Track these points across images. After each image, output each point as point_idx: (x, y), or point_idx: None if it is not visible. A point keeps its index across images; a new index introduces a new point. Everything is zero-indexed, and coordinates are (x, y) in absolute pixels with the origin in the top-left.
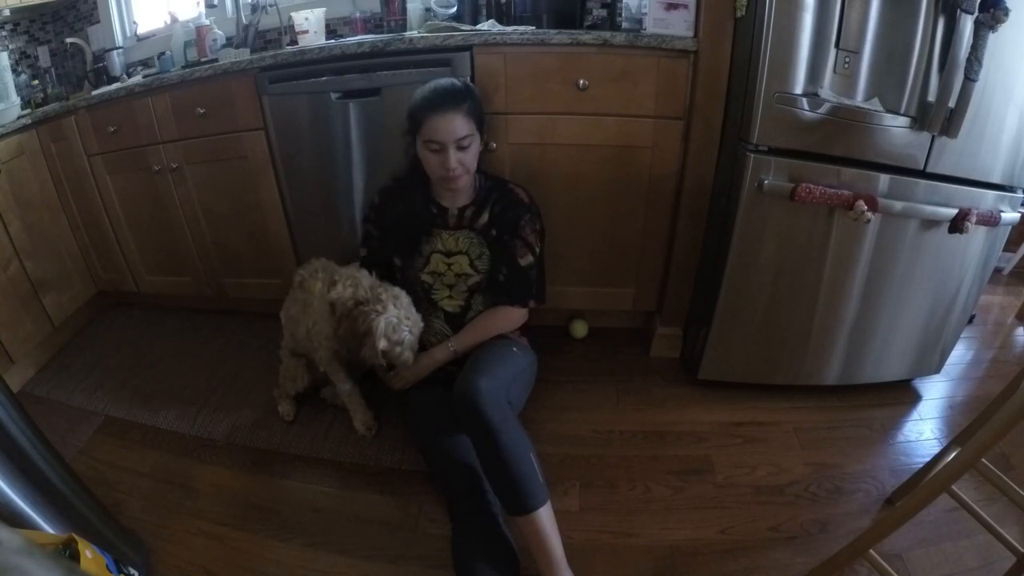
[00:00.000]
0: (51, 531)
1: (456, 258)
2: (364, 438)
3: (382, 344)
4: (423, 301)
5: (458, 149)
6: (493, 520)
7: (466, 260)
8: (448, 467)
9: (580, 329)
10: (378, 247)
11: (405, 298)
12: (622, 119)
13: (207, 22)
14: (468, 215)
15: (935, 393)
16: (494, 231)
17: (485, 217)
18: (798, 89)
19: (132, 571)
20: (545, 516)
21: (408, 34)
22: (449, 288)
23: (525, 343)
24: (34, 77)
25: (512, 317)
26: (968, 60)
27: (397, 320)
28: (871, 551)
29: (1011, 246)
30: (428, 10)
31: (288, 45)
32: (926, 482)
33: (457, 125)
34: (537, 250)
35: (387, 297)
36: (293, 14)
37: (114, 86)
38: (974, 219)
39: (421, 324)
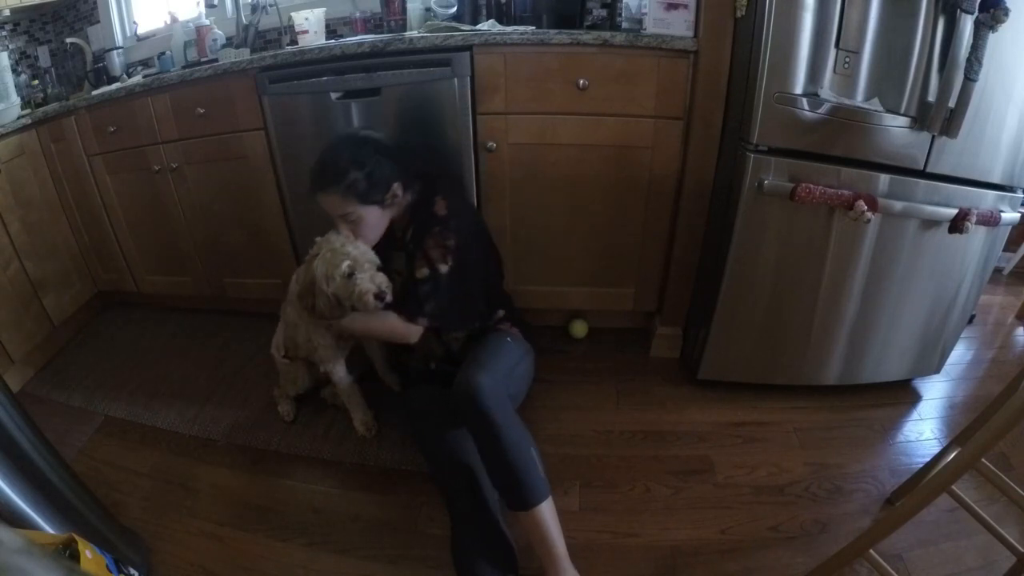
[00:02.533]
0: (51, 531)
1: (401, 278)
2: (364, 438)
3: (330, 287)
4: None
5: (347, 221)
6: (492, 518)
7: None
8: (447, 465)
9: (580, 329)
10: None
11: (341, 240)
12: (622, 119)
13: (207, 22)
14: (405, 235)
15: (935, 393)
16: (411, 246)
17: (411, 233)
18: (798, 89)
19: (132, 571)
20: (547, 511)
21: (408, 34)
22: None
23: (518, 334)
24: (34, 77)
25: (394, 327)
26: (968, 60)
27: (331, 254)
28: (871, 551)
29: (1011, 246)
30: (428, 10)
31: (288, 45)
32: (926, 482)
33: (332, 205)
34: (441, 266)
35: (322, 242)
36: (293, 14)
37: (114, 86)
38: (974, 219)
39: (373, 257)
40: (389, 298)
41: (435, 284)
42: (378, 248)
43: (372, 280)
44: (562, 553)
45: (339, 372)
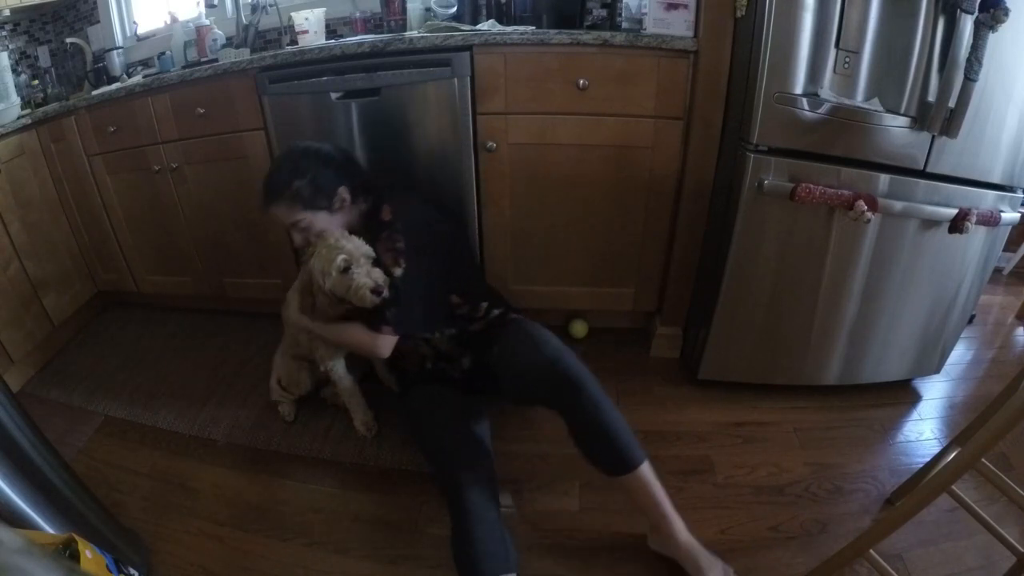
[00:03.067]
0: (51, 531)
1: None
2: (364, 438)
3: (327, 283)
4: None
5: (297, 230)
6: (494, 516)
7: None
8: (447, 462)
9: (580, 329)
10: None
11: (337, 233)
12: (622, 119)
13: (207, 22)
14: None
15: (935, 393)
16: None
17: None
18: (798, 89)
19: (132, 571)
20: (649, 469)
21: (408, 34)
22: None
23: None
24: (34, 77)
25: (361, 339)
26: (968, 60)
27: (327, 249)
28: (871, 551)
29: (1011, 246)
30: (428, 10)
31: (288, 45)
32: (926, 482)
33: (281, 215)
34: (395, 270)
35: (318, 239)
36: (293, 14)
37: (114, 86)
38: (974, 219)
39: (368, 251)
40: (386, 293)
41: (392, 288)
42: None
43: (369, 275)
44: (671, 507)
45: (339, 371)
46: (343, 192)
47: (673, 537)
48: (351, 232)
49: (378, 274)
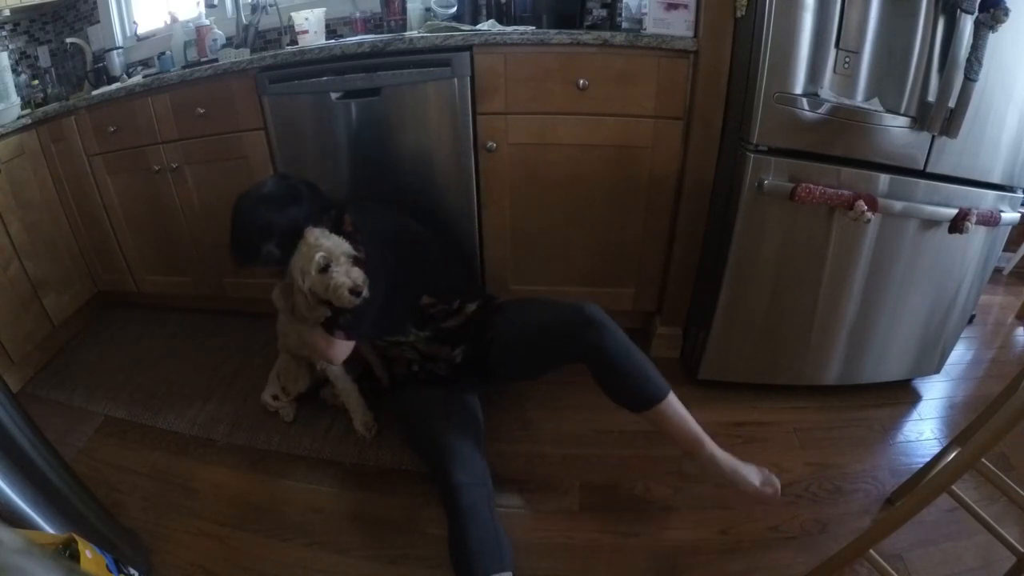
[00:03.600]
0: (51, 531)
1: None
2: (364, 438)
3: (306, 283)
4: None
5: (279, 276)
6: (488, 515)
7: None
8: (440, 463)
9: None
10: None
11: (317, 232)
12: (622, 119)
13: (207, 22)
14: None
15: (935, 393)
16: None
17: None
18: (798, 89)
19: (132, 571)
20: (675, 399)
21: (408, 34)
22: None
23: None
24: (34, 77)
25: (316, 343)
26: (968, 60)
27: (306, 248)
28: (871, 551)
29: (1011, 246)
30: (428, 10)
31: (288, 45)
32: (926, 482)
33: (262, 273)
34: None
35: (308, 235)
36: (293, 14)
37: (114, 86)
38: (974, 219)
39: (348, 249)
40: (366, 293)
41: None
42: None
43: (347, 274)
44: (701, 430)
45: (335, 370)
46: (308, 231)
47: (709, 457)
48: None
49: (357, 274)
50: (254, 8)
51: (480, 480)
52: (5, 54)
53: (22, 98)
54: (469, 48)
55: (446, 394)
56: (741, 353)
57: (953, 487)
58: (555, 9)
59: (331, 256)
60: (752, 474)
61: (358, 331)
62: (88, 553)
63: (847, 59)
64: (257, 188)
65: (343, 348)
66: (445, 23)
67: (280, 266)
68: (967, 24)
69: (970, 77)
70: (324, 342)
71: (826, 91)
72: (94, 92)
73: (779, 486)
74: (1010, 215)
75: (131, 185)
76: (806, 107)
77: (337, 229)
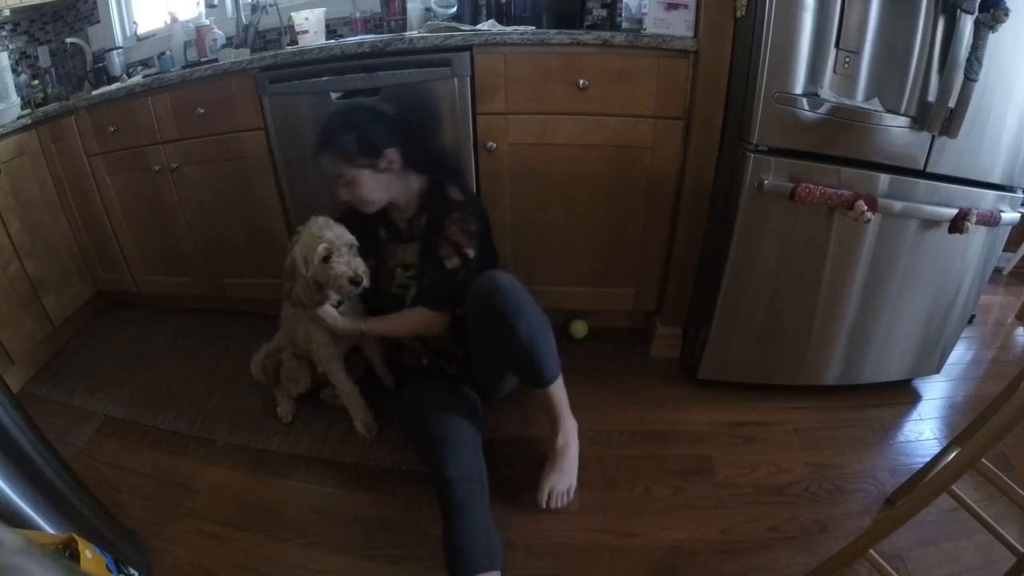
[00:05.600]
0: (51, 531)
1: (410, 271)
2: (364, 438)
3: (309, 271)
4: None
5: (343, 184)
6: (482, 514)
7: (415, 273)
8: (437, 459)
9: (580, 329)
10: None
11: (321, 221)
12: (622, 119)
13: (207, 22)
14: (415, 225)
15: (935, 393)
16: (429, 234)
17: (423, 221)
18: (798, 89)
19: (132, 571)
20: (559, 386)
21: (408, 34)
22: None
23: None
24: (34, 77)
25: (430, 321)
26: (968, 60)
27: (309, 238)
28: (871, 551)
29: (1011, 246)
30: (428, 10)
31: (288, 45)
32: (926, 482)
33: (327, 166)
34: (469, 251)
35: (302, 228)
36: (293, 14)
37: (114, 86)
38: (974, 219)
39: (350, 240)
40: (366, 282)
41: (467, 271)
42: (382, 243)
43: (348, 264)
44: (565, 410)
45: (336, 372)
46: (392, 154)
47: (557, 447)
48: (400, 211)
49: (358, 263)
50: (254, 8)
51: (474, 477)
52: (5, 54)
53: (22, 98)
54: (469, 48)
55: (449, 390)
56: (741, 353)
57: (953, 487)
58: (555, 9)
59: (333, 247)
60: (559, 483)
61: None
62: (88, 553)
63: (847, 59)
64: (377, 102)
65: (446, 318)
66: (445, 23)
67: (346, 162)
68: (967, 24)
69: (970, 77)
70: (439, 320)
71: (826, 91)
72: (94, 92)
73: (558, 507)
74: (1010, 215)
75: (131, 185)
76: (806, 107)
77: (438, 193)
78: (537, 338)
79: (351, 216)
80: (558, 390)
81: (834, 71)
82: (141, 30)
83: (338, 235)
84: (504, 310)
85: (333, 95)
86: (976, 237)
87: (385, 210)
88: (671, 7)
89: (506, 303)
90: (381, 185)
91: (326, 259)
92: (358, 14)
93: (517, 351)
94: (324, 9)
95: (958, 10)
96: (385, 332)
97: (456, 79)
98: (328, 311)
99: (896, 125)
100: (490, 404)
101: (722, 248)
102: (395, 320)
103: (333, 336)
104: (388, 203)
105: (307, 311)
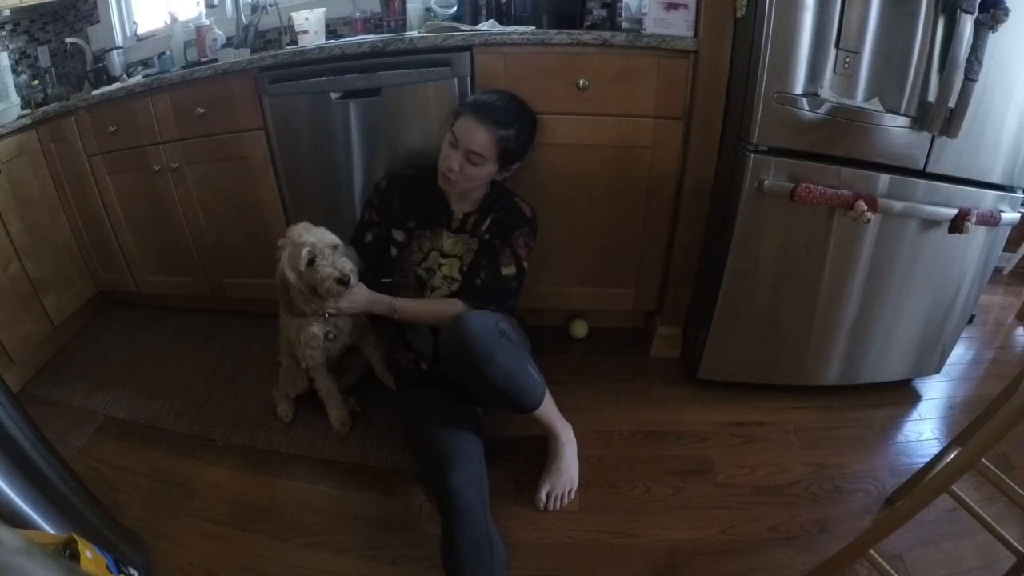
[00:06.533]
0: (51, 531)
1: (449, 260)
2: (364, 438)
3: (292, 276)
4: (414, 293)
5: (467, 158)
6: (481, 521)
7: (457, 265)
8: (437, 466)
9: (580, 329)
10: (376, 234)
11: (300, 227)
12: (622, 119)
13: (207, 22)
14: (471, 221)
15: (935, 393)
16: (488, 236)
17: (486, 224)
18: (798, 89)
19: (132, 571)
20: (546, 405)
21: (408, 34)
22: (432, 290)
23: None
24: (34, 77)
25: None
26: (968, 60)
27: (292, 246)
28: (871, 551)
29: (1011, 246)
30: (428, 10)
31: (288, 45)
32: (926, 482)
33: (476, 137)
34: (524, 264)
35: (283, 240)
36: (293, 14)
37: (114, 86)
38: (974, 219)
39: (331, 240)
40: (353, 280)
41: (519, 282)
42: (429, 221)
43: (333, 265)
44: (557, 420)
45: (317, 369)
46: (515, 168)
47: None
48: (472, 201)
49: (344, 263)
50: (254, 8)
51: (476, 484)
52: (5, 54)
53: (22, 98)
54: (469, 48)
55: (448, 398)
56: (741, 353)
57: (953, 487)
58: (555, 9)
59: (316, 250)
60: (558, 484)
61: (511, 311)
62: (88, 553)
63: (847, 59)
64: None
65: None
66: (445, 23)
67: (485, 145)
68: (967, 24)
69: (970, 77)
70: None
71: (826, 91)
72: (94, 92)
73: (557, 508)
74: (1010, 215)
75: (131, 185)
76: (806, 107)
77: (509, 204)
78: (514, 376)
79: (405, 181)
80: (546, 408)
81: (834, 71)
82: (141, 30)
83: (319, 238)
84: (474, 359)
85: (333, 95)
86: (976, 237)
87: (447, 194)
88: (671, 7)
89: (475, 351)
90: (486, 178)
91: (311, 262)
92: (358, 14)
93: (495, 393)
94: (324, 9)
95: (958, 10)
96: (416, 314)
97: (456, 79)
98: (351, 295)
99: (896, 125)
100: (490, 409)
101: (722, 248)
102: (430, 306)
103: (344, 322)
104: (461, 191)
105: (328, 311)
